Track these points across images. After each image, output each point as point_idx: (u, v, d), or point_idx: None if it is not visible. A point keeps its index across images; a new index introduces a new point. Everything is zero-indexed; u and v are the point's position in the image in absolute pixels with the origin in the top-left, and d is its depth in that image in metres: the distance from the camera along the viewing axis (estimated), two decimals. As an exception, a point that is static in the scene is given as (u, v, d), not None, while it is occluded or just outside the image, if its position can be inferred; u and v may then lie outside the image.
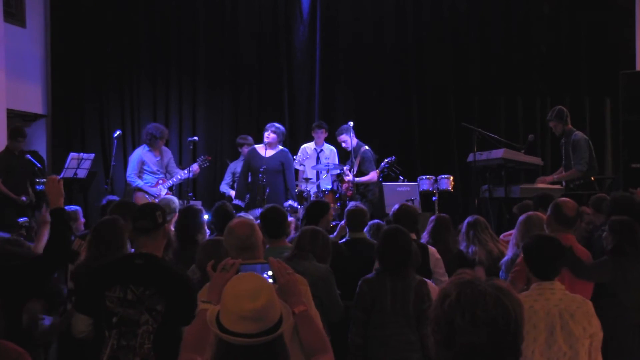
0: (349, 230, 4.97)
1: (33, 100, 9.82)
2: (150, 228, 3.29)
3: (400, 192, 8.50)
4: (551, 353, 3.09)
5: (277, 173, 7.92)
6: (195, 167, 8.29)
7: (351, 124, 8.57)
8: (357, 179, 8.26)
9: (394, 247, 3.82)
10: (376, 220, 5.49)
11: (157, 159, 8.32)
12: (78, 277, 3.83)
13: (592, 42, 10.34)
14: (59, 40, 9.94)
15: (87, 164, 8.70)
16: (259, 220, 4.10)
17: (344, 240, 4.95)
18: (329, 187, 8.51)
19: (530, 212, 4.74)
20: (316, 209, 5.05)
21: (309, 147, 9.14)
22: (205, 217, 5.22)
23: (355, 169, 8.37)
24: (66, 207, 3.79)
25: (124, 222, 3.94)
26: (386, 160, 8.50)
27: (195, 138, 8.93)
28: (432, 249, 4.67)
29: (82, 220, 5.92)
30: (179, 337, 3.11)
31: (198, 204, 6.05)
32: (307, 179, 8.51)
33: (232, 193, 8.59)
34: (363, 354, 3.78)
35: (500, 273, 4.50)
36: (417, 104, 10.42)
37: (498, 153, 7.68)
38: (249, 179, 8.06)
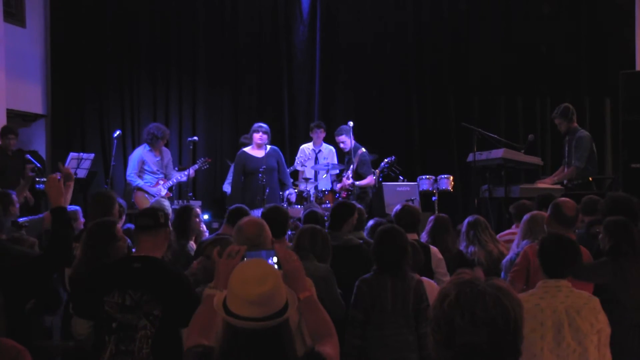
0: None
1: (33, 100, 9.81)
2: (151, 225, 3.32)
3: (400, 192, 8.49)
4: (560, 350, 3.11)
5: (274, 171, 7.97)
6: (191, 171, 8.30)
7: (351, 124, 8.58)
8: (356, 182, 8.31)
9: (390, 246, 3.80)
10: (376, 219, 5.49)
11: (157, 159, 8.32)
12: (76, 280, 3.82)
13: (592, 42, 10.33)
14: (59, 40, 9.94)
15: (87, 164, 8.70)
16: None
17: None
18: (329, 187, 8.51)
19: (535, 212, 4.74)
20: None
21: (307, 147, 9.14)
22: (205, 217, 5.22)
23: (353, 169, 8.38)
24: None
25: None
26: (386, 160, 8.49)
27: (195, 138, 8.92)
28: (434, 249, 4.67)
29: (82, 220, 5.91)
30: (178, 341, 3.12)
31: (198, 204, 6.06)
32: (306, 179, 8.51)
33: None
34: (361, 354, 3.76)
35: (502, 274, 4.51)
36: (417, 104, 10.41)
37: (498, 153, 7.68)
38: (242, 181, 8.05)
